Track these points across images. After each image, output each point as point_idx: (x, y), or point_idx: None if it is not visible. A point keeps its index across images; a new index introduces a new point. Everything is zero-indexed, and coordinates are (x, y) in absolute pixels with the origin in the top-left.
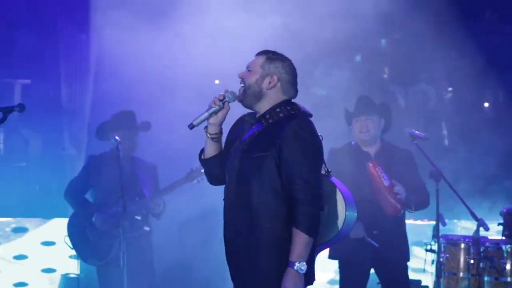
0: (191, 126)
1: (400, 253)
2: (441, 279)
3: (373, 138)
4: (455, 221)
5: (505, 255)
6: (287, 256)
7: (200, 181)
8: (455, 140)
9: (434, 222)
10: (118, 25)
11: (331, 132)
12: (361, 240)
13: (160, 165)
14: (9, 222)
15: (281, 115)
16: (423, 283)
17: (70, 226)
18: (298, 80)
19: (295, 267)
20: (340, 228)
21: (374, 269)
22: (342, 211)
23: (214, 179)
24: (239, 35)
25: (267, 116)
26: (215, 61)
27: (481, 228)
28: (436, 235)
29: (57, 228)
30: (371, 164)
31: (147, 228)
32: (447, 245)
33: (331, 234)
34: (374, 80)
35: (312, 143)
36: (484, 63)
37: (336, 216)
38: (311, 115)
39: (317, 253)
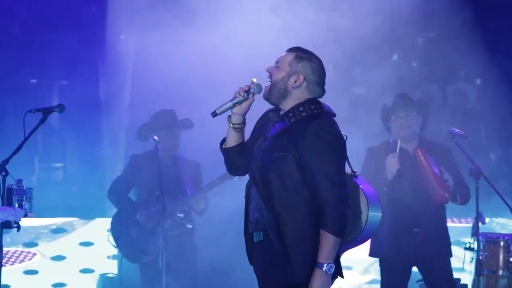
0: (214, 114)
1: (442, 249)
2: (480, 277)
3: (412, 134)
4: (494, 219)
5: None
6: (309, 255)
7: (242, 178)
8: (493, 139)
9: (471, 224)
10: (156, 25)
11: (370, 131)
12: (402, 237)
13: (202, 163)
14: (48, 222)
15: (303, 114)
16: (462, 282)
17: (113, 225)
18: (337, 78)
19: (324, 268)
20: (362, 228)
21: (417, 267)
22: (365, 211)
23: (233, 169)
24: (278, 33)
25: (290, 115)
26: (254, 59)
27: None
28: (475, 233)
29: (96, 228)
30: (419, 151)
31: (189, 226)
32: (486, 243)
33: (354, 234)
34: (411, 78)
35: (334, 144)
36: None
37: (359, 216)
38: (334, 115)
39: (342, 253)
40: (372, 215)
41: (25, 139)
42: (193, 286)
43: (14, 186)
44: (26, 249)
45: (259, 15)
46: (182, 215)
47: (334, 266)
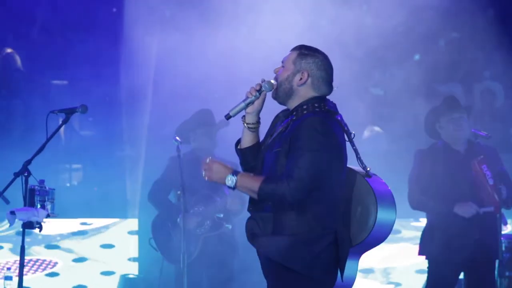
0: (228, 117)
1: (492, 250)
2: (502, 279)
3: (466, 136)
4: None
5: None
6: (307, 252)
7: None
8: None
9: None
10: (178, 25)
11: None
12: (456, 237)
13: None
14: (69, 223)
15: (305, 112)
16: None
17: (154, 228)
18: (359, 78)
19: (231, 176)
20: (370, 229)
21: (463, 269)
22: (374, 213)
23: (249, 170)
24: (300, 32)
25: (294, 113)
26: (276, 59)
27: None
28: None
29: (116, 230)
30: (476, 163)
31: (229, 226)
32: (508, 245)
33: (363, 235)
34: (435, 78)
35: (315, 138)
36: None
37: (368, 217)
38: (336, 113)
39: (356, 256)
40: (381, 216)
41: (48, 140)
42: (229, 286)
43: (37, 187)
44: (46, 256)
45: (282, 14)
46: (221, 215)
47: (233, 186)
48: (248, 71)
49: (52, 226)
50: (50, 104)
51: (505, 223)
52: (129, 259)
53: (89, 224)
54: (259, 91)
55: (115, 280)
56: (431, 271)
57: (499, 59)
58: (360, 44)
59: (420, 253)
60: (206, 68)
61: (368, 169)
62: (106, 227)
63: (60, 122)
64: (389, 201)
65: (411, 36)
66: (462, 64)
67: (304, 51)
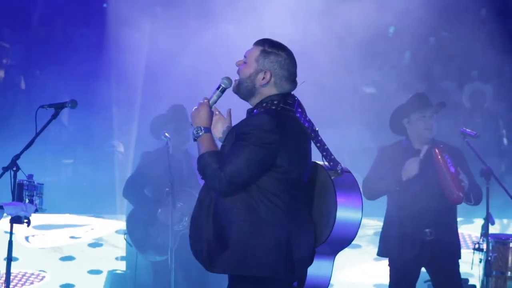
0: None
1: (452, 250)
2: (489, 278)
3: (433, 136)
4: (505, 220)
5: None
6: (259, 242)
7: None
8: (509, 139)
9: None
10: (169, 23)
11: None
12: (412, 236)
13: None
14: (57, 218)
15: (262, 110)
16: (470, 282)
17: (130, 222)
18: (348, 77)
19: (203, 129)
20: (331, 227)
21: (425, 267)
22: (334, 211)
23: None
24: (291, 28)
25: (255, 111)
26: None
27: None
28: (485, 234)
29: (105, 228)
30: (437, 150)
31: None
32: (495, 244)
33: (326, 234)
34: (425, 77)
35: (263, 137)
36: None
37: (329, 216)
38: (292, 111)
39: (329, 256)
40: (342, 214)
41: (37, 135)
42: (204, 284)
43: (25, 182)
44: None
45: (272, 11)
46: None
47: (197, 136)
48: (235, 70)
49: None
50: (39, 99)
51: (493, 223)
52: (117, 258)
53: (78, 220)
54: (220, 89)
55: (102, 279)
56: (391, 271)
57: (487, 59)
58: (352, 42)
59: (379, 253)
60: (197, 64)
61: (339, 167)
62: (94, 224)
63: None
64: (354, 199)
65: (403, 35)
66: (451, 64)
67: (268, 48)
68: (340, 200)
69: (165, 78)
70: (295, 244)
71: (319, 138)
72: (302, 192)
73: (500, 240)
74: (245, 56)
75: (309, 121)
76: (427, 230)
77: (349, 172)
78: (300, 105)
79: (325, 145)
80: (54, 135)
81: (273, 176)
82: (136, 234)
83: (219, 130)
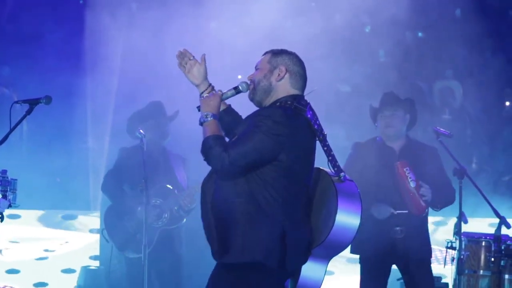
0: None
1: (423, 248)
2: (461, 277)
3: (398, 134)
4: (478, 218)
5: None
6: (255, 231)
7: None
8: (480, 137)
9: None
10: (146, 18)
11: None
12: (383, 234)
13: (193, 160)
14: (32, 214)
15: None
16: (443, 280)
17: (107, 219)
18: (323, 76)
19: (212, 115)
20: (329, 231)
21: (397, 265)
22: (333, 214)
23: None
24: (264, 34)
25: None
26: (245, 54)
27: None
28: (457, 232)
29: (78, 225)
30: (399, 164)
31: (184, 220)
32: (468, 243)
33: (323, 236)
34: (398, 75)
35: (272, 128)
36: (507, 62)
37: (328, 219)
38: (304, 111)
39: (323, 260)
40: (341, 219)
41: (11, 130)
42: (178, 280)
43: None
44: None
45: (249, 11)
46: (179, 209)
47: (203, 121)
48: (215, 65)
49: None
50: (13, 94)
51: (465, 222)
52: (91, 257)
53: (51, 215)
54: (236, 89)
55: (76, 276)
56: (362, 268)
57: (459, 58)
58: (327, 41)
59: (351, 251)
60: (173, 61)
61: (342, 174)
62: (68, 222)
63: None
64: (354, 206)
65: (378, 35)
66: (425, 63)
67: (277, 50)
68: (340, 204)
69: (141, 74)
70: (289, 240)
71: (327, 143)
72: (303, 191)
73: (473, 239)
74: (256, 66)
75: (319, 125)
76: (397, 228)
77: (352, 181)
78: (311, 108)
79: (331, 150)
80: (28, 130)
81: (275, 170)
82: (114, 230)
83: (194, 75)
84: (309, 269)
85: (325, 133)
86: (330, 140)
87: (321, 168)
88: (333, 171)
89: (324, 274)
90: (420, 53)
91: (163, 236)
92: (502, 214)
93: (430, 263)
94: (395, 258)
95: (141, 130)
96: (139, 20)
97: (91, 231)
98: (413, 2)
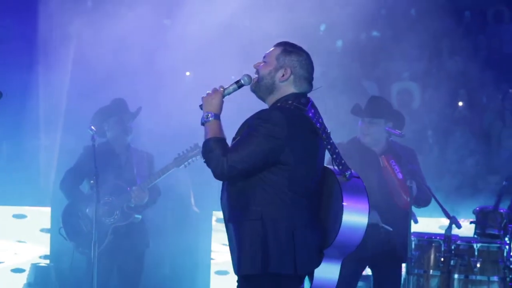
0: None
1: (398, 254)
2: (411, 276)
3: (374, 142)
4: (428, 218)
5: (476, 253)
6: (263, 239)
7: (187, 166)
8: (434, 138)
9: None
10: (101, 15)
11: None
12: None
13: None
14: None
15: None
16: None
17: (64, 217)
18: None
19: (212, 115)
20: (337, 231)
21: (369, 266)
22: (340, 215)
23: None
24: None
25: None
26: (195, 51)
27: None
28: (408, 232)
29: (28, 225)
30: (384, 158)
31: (138, 216)
32: (418, 242)
33: (332, 237)
34: (351, 76)
35: (262, 127)
36: (463, 62)
37: (336, 219)
38: (305, 110)
39: (336, 260)
40: (348, 219)
41: None
42: (138, 279)
43: None
44: None
45: (204, 9)
46: (132, 206)
47: (205, 121)
48: (170, 62)
49: None
50: None
51: (416, 221)
52: (40, 257)
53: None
54: (238, 83)
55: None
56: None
57: (415, 59)
58: (282, 39)
59: None
60: (127, 58)
61: (348, 172)
62: (17, 220)
63: None
64: (360, 204)
65: (333, 34)
66: (380, 63)
67: (289, 48)
68: (346, 203)
69: (94, 71)
70: (299, 243)
71: (331, 141)
72: (309, 192)
73: (423, 239)
74: (264, 57)
75: (322, 123)
76: (380, 235)
77: (359, 177)
78: (313, 106)
79: (336, 148)
80: None
81: (279, 173)
82: (70, 228)
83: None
84: (322, 270)
85: (329, 131)
86: None
87: (326, 166)
88: (338, 169)
89: (338, 274)
90: (375, 53)
91: (121, 233)
92: (453, 214)
93: (401, 268)
94: (368, 259)
95: (92, 127)
96: (94, 17)
97: (42, 230)
98: (368, 2)
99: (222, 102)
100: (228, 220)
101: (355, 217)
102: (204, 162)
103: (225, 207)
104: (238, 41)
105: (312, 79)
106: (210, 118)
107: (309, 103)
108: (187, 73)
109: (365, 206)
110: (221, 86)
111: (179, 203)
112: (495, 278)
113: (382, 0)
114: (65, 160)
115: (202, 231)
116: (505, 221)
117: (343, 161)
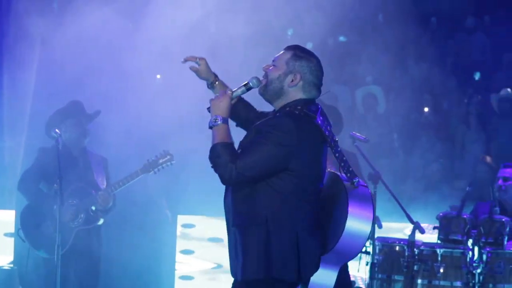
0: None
1: None
2: (374, 281)
3: None
4: (391, 223)
5: (439, 258)
6: (267, 244)
7: (157, 172)
8: (399, 143)
9: None
10: (67, 15)
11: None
12: None
13: (115, 160)
14: None
15: (284, 113)
16: (356, 285)
17: (23, 218)
18: (241, 78)
19: (221, 119)
20: (339, 238)
21: None
22: (344, 221)
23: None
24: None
25: (278, 114)
26: (162, 51)
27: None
28: (371, 237)
29: None
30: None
31: (101, 220)
32: (382, 247)
33: (333, 243)
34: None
35: (281, 138)
36: (428, 68)
37: (339, 225)
38: (314, 117)
39: (334, 266)
40: (351, 225)
41: None
42: (96, 281)
43: None
44: None
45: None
46: (96, 209)
47: (213, 124)
48: (137, 64)
49: None
50: None
51: (380, 226)
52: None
53: None
54: (246, 86)
55: None
56: None
57: (380, 64)
58: (248, 42)
59: None
60: (92, 59)
61: (356, 179)
62: None
63: None
64: (365, 212)
65: (301, 39)
66: (346, 67)
67: (299, 53)
68: (351, 210)
69: (59, 73)
70: (303, 248)
71: (339, 149)
72: (313, 198)
73: (387, 244)
74: (273, 60)
75: (330, 131)
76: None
77: (366, 186)
78: (322, 113)
79: (343, 156)
80: None
81: (285, 179)
82: (30, 230)
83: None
84: (319, 276)
85: (336, 139)
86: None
87: (334, 172)
88: (346, 176)
89: (335, 281)
90: (341, 58)
91: (81, 236)
92: (417, 219)
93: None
94: None
95: (56, 130)
96: (60, 18)
97: (6, 234)
98: (335, 7)
99: (231, 105)
100: (233, 225)
101: (358, 224)
102: (212, 167)
103: (229, 211)
104: (205, 43)
105: (321, 85)
106: (218, 122)
107: (318, 110)
108: (158, 76)
109: (370, 215)
110: (229, 89)
111: (143, 207)
112: (458, 284)
113: (350, 5)
114: (30, 162)
115: (168, 235)
116: (468, 226)
117: (350, 169)
